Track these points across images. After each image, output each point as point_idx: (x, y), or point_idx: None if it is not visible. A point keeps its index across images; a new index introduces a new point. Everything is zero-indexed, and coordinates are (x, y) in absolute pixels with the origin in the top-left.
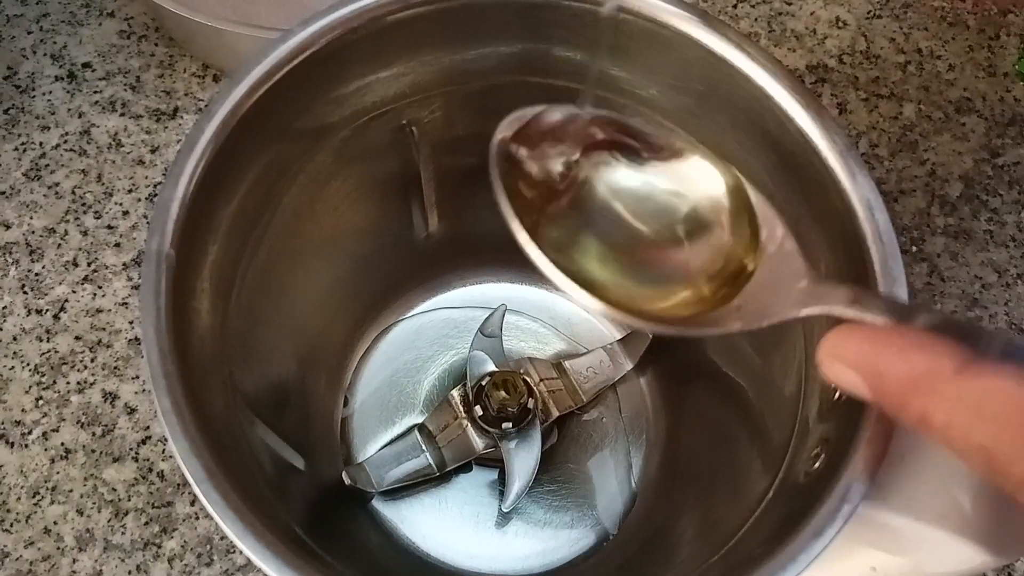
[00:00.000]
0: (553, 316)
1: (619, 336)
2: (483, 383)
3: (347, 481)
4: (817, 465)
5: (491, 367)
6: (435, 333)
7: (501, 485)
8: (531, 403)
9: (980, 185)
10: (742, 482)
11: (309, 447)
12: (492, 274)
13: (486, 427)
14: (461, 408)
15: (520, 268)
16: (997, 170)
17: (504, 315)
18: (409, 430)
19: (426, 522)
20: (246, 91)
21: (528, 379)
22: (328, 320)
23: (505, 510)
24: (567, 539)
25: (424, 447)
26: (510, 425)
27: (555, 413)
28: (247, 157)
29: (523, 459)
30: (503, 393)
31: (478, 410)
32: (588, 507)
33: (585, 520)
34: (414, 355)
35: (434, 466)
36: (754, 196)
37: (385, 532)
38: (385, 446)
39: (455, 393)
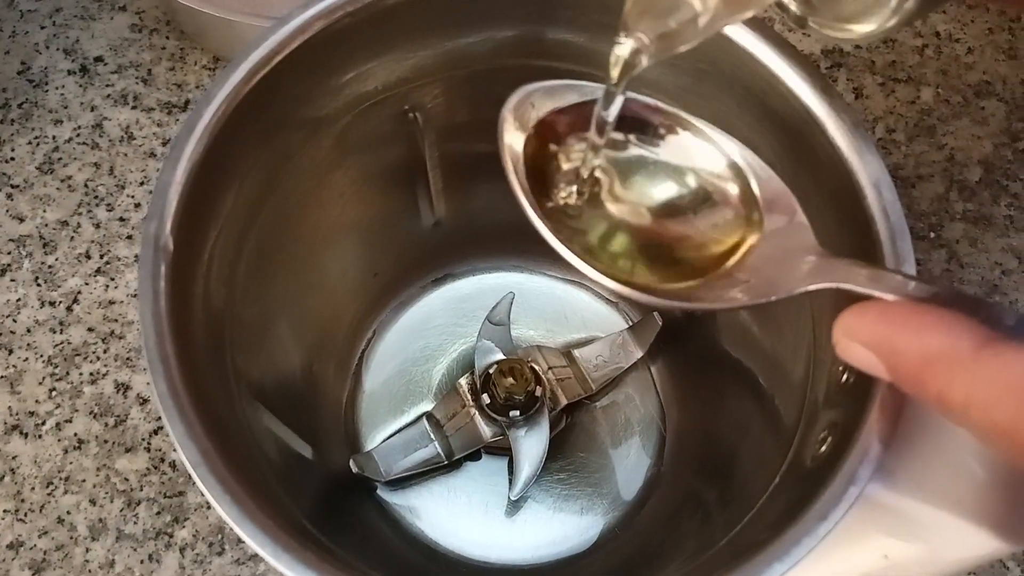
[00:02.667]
0: (562, 304)
1: (629, 324)
2: (490, 371)
3: (355, 469)
4: (824, 449)
5: (499, 355)
6: (444, 321)
7: (510, 474)
8: (539, 391)
9: (1000, 170)
10: (752, 468)
11: (317, 436)
12: (501, 262)
13: (494, 415)
14: (469, 396)
15: (529, 255)
16: (1018, 154)
17: (512, 303)
18: (417, 419)
19: (435, 511)
20: (244, 76)
21: (536, 367)
22: (335, 308)
23: (513, 498)
24: (577, 528)
25: (432, 436)
26: (518, 413)
27: (564, 401)
28: (247, 143)
29: (531, 447)
30: (510, 380)
31: (485, 398)
32: (598, 496)
33: (595, 509)
34: (423, 343)
35: (442, 455)
36: (765, 170)
37: (393, 521)
38: (393, 435)
39: (463, 381)
